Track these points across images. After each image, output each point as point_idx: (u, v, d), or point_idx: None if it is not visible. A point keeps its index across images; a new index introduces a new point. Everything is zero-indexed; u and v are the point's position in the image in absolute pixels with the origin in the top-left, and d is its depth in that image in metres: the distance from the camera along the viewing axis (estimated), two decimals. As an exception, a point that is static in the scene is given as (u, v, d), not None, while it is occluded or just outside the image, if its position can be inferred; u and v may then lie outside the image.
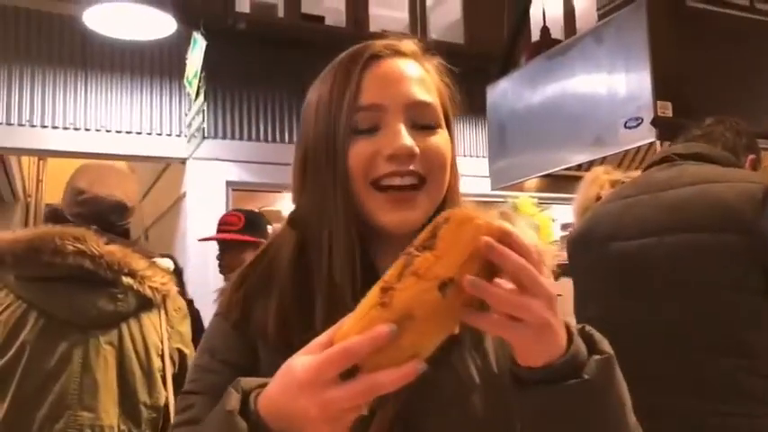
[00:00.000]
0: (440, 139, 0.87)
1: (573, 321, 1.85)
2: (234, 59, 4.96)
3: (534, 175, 4.22)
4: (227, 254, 3.41)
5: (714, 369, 1.58)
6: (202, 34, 4.43)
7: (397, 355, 0.62)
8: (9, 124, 4.60)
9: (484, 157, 4.75)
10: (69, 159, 4.80)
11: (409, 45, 0.91)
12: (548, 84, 3.90)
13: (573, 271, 1.95)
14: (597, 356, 0.71)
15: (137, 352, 1.90)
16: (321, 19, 5.34)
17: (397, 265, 0.65)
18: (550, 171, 4.09)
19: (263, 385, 0.70)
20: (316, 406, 0.62)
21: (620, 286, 1.76)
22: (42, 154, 5.38)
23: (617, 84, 3.36)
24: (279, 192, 5.43)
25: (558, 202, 5.89)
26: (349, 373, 0.62)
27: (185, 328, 2.02)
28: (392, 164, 0.82)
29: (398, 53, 0.89)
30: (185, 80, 4.64)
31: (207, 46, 4.38)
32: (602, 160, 4.08)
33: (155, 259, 2.03)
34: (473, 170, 5.56)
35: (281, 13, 5.14)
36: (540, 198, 5.88)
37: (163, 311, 1.96)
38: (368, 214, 0.84)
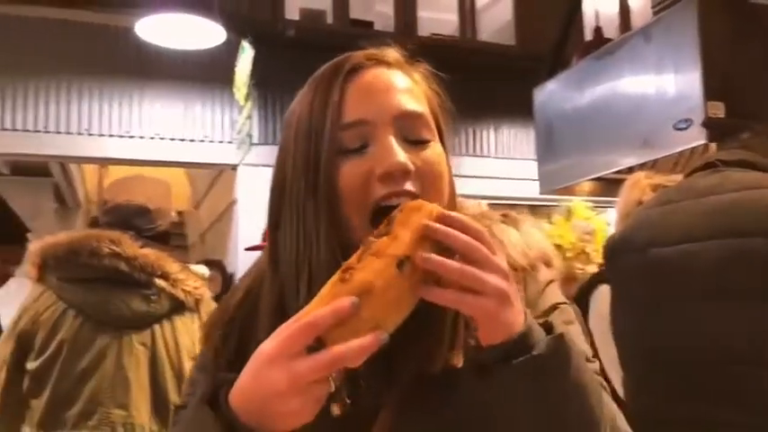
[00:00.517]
0: (433, 153, 0.81)
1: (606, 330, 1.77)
2: (283, 66, 5.00)
3: (584, 179, 4.14)
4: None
5: (756, 382, 1.51)
6: (251, 42, 4.50)
7: (359, 327, 0.64)
8: (69, 133, 4.78)
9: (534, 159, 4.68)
10: (127, 167, 4.97)
11: (393, 54, 0.86)
12: (596, 84, 3.82)
13: (611, 278, 1.91)
14: (550, 336, 0.71)
15: (168, 353, 1.94)
16: (370, 24, 5.37)
17: (358, 252, 0.69)
18: (600, 174, 4.01)
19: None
20: (285, 378, 0.64)
21: (661, 293, 1.71)
22: (99, 162, 5.56)
23: (666, 84, 3.27)
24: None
25: (613, 206, 5.75)
26: (315, 350, 0.64)
27: (218, 331, 2.05)
28: (387, 184, 0.76)
29: (382, 63, 0.83)
30: (234, 88, 4.73)
31: (256, 53, 4.45)
32: (654, 163, 3.97)
33: (189, 265, 2.08)
34: (522, 173, 5.51)
35: (329, 20, 5.19)
36: (595, 202, 5.77)
37: (196, 315, 2.00)
38: (359, 239, 0.77)
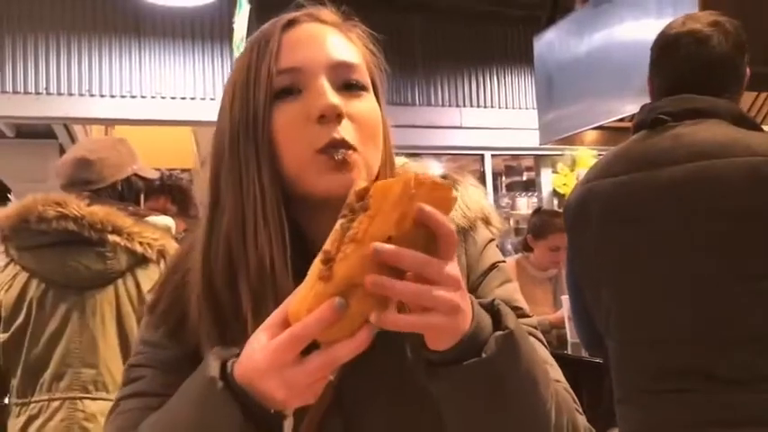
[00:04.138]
0: (368, 104, 0.81)
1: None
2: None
3: (584, 128, 4.06)
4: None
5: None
6: (246, -3, 4.44)
7: (350, 324, 0.63)
8: (71, 95, 4.80)
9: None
10: (131, 126, 5.00)
11: (329, 14, 0.86)
12: (595, 32, 3.75)
13: (574, 248, 1.78)
14: (499, 333, 0.68)
15: (134, 308, 1.92)
16: (371, -24, 5.26)
17: (334, 232, 0.64)
18: (601, 123, 3.93)
19: (238, 355, 0.69)
20: (279, 388, 0.64)
21: (628, 270, 1.63)
22: (101, 123, 5.57)
23: (664, 28, 3.17)
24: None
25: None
26: (308, 348, 0.64)
27: (185, 282, 2.03)
28: (322, 126, 0.76)
29: (318, 20, 0.84)
30: (234, 45, 4.68)
31: (253, 8, 4.39)
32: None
33: (149, 218, 2.04)
34: (525, 123, 5.43)
35: (328, -28, 5.09)
36: (600, 151, 5.68)
37: (163, 266, 1.97)
38: (299, 182, 0.78)
